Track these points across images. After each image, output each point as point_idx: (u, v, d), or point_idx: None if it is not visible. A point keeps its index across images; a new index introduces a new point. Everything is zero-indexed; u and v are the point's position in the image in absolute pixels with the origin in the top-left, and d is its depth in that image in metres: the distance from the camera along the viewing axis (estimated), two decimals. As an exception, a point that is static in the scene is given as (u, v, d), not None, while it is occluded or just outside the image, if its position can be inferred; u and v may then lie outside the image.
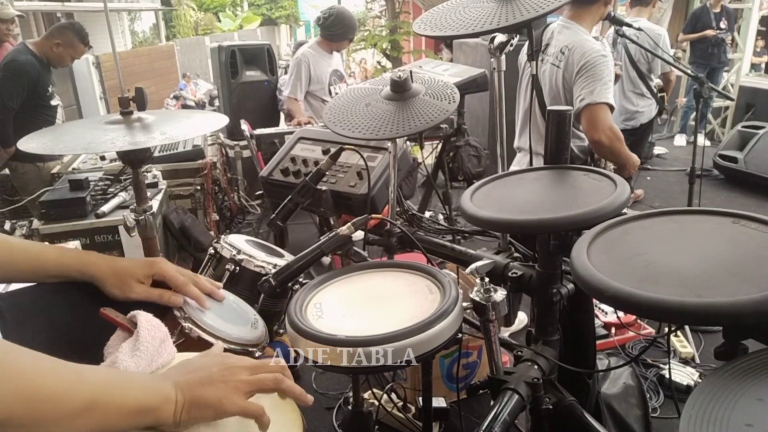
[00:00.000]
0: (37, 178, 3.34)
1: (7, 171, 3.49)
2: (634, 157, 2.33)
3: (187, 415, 0.73)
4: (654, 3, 3.91)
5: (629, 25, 2.70)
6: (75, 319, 1.00)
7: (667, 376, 2.18)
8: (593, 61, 2.19)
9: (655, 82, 3.87)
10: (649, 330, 2.52)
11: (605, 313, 2.53)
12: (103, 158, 3.13)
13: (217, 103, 8.78)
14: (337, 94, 3.83)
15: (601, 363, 2.00)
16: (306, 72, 3.89)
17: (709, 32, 5.83)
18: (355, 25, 4.05)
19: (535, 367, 1.13)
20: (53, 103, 3.43)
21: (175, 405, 0.72)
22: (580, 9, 2.33)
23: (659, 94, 3.85)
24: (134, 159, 1.74)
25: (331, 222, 1.69)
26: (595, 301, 1.51)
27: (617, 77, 2.98)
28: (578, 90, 2.22)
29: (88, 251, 1.07)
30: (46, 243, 1.06)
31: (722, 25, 5.92)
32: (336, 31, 3.92)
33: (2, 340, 0.67)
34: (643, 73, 3.82)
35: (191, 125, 1.74)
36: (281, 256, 1.49)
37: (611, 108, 2.20)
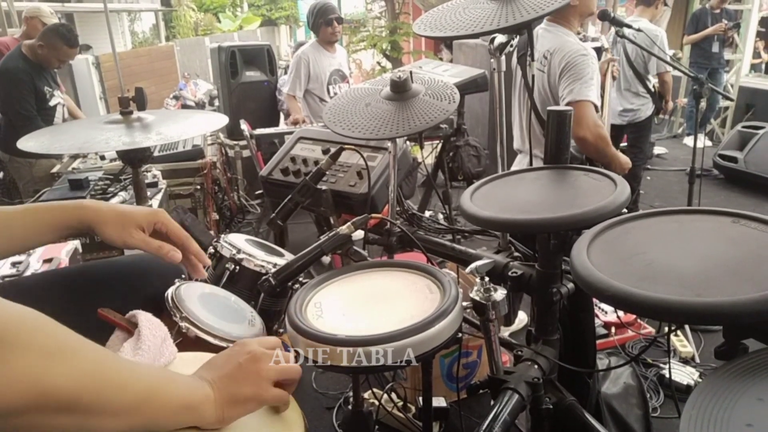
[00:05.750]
0: (28, 174, 3.38)
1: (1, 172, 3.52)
2: (622, 157, 2.33)
3: (229, 412, 0.73)
4: (657, 4, 3.91)
5: (628, 26, 2.71)
6: (71, 319, 0.99)
7: (668, 375, 2.18)
8: (573, 61, 2.21)
9: (654, 81, 3.89)
10: (649, 329, 2.52)
11: (605, 313, 2.53)
12: (102, 158, 3.12)
13: (216, 103, 8.77)
14: (336, 94, 3.85)
15: (602, 362, 2.00)
16: (305, 69, 3.90)
17: (720, 26, 5.79)
18: (324, 8, 3.92)
19: (536, 366, 1.13)
20: (52, 103, 3.43)
21: (215, 403, 0.72)
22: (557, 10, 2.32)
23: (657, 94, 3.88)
24: (134, 158, 1.75)
25: (331, 221, 1.69)
26: (595, 300, 1.51)
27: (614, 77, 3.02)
28: (561, 90, 2.24)
29: (81, 200, 1.03)
30: (38, 204, 1.04)
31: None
32: (311, 22, 3.96)
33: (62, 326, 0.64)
34: (639, 73, 3.86)
35: (191, 125, 1.75)
36: (281, 255, 1.49)
37: (595, 106, 2.21)
